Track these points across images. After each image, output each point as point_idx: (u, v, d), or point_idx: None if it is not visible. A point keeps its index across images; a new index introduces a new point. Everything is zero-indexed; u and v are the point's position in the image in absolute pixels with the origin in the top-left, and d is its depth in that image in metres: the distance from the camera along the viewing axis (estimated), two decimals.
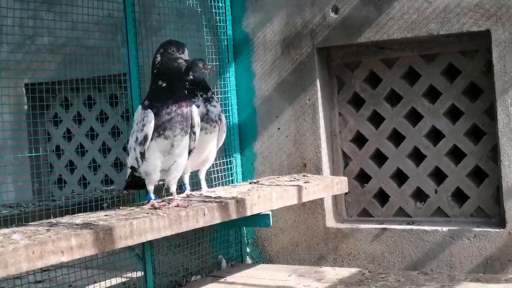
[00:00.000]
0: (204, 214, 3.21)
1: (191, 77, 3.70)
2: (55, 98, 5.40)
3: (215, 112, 3.73)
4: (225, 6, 4.58)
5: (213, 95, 3.78)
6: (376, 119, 4.44)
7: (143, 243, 3.84)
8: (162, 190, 3.82)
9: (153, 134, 3.15)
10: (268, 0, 4.54)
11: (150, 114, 3.15)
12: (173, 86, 3.21)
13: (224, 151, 4.54)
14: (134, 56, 3.94)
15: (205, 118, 3.68)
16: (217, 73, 4.54)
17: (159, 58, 3.24)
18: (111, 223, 2.81)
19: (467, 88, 4.14)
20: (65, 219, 3.01)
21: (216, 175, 4.41)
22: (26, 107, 5.31)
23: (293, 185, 3.87)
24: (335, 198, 4.53)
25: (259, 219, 3.72)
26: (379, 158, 4.45)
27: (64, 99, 5.42)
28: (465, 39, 4.08)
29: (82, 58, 4.37)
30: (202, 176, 3.88)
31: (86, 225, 2.77)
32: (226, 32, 4.60)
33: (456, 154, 4.21)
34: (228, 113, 4.58)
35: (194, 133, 3.30)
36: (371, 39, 4.22)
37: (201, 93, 3.72)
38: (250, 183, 4.13)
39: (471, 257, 3.98)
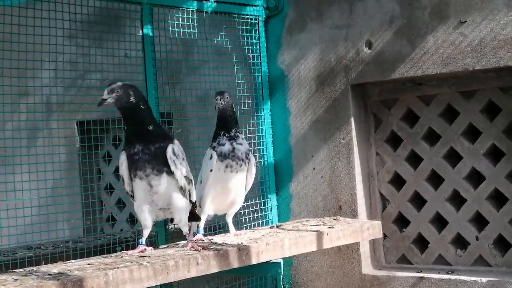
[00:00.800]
0: (198, 263, 3.05)
1: None
2: (107, 137, 5.44)
3: (241, 150, 3.56)
4: (259, 43, 4.43)
5: (238, 134, 3.60)
6: (415, 159, 4.15)
7: (160, 286, 3.73)
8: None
9: (131, 175, 3.12)
10: (302, 35, 4.37)
11: (123, 156, 3.13)
12: (129, 125, 3.13)
13: (260, 192, 4.38)
14: (153, 96, 3.87)
15: (231, 155, 3.52)
16: (252, 111, 4.41)
17: None
18: (85, 273, 2.71)
19: (508, 127, 3.80)
20: (46, 267, 2.94)
21: (250, 216, 4.24)
22: (78, 145, 5.39)
23: (313, 231, 3.65)
24: (373, 243, 4.26)
25: (269, 268, 3.51)
26: (418, 200, 4.15)
27: (115, 138, 5.45)
28: (505, 74, 3.75)
29: None
30: (230, 219, 3.72)
31: (58, 275, 2.68)
32: (261, 69, 4.44)
33: (498, 198, 3.86)
34: (263, 152, 4.41)
35: (172, 172, 3.12)
36: (405, 75, 3.96)
37: (223, 132, 3.59)
38: (271, 227, 3.94)
39: None
